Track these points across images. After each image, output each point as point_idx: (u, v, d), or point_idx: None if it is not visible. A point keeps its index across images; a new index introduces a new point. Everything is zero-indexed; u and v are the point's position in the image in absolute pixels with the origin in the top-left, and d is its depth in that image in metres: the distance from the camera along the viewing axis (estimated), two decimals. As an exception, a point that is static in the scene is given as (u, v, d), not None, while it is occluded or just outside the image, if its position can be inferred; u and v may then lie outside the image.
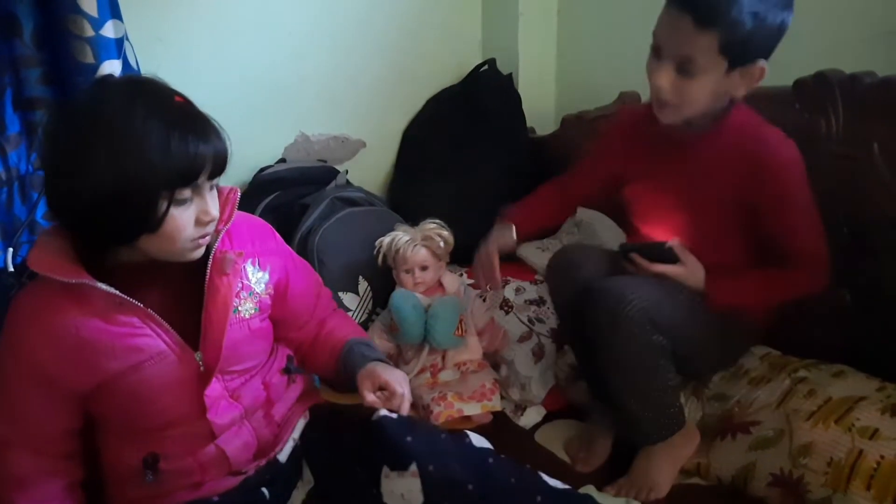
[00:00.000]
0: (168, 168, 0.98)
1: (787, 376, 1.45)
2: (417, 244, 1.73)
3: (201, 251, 1.10)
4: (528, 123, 2.24)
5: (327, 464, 1.25)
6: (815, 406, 1.34)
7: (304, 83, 2.10)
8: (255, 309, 1.19)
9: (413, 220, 2.05)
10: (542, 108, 2.35)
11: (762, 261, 1.39)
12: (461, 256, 1.88)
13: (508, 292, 1.85)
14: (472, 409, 1.63)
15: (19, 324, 1.07)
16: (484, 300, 1.83)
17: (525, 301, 1.82)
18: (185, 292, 1.13)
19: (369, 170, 2.28)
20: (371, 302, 1.87)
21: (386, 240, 1.77)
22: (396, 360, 1.76)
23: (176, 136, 0.98)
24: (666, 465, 1.40)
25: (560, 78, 2.38)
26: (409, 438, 1.13)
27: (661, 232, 1.43)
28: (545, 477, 1.21)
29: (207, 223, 1.06)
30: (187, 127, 1.00)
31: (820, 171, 1.40)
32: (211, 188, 1.07)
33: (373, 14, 2.17)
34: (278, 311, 1.27)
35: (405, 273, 1.75)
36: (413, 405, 1.65)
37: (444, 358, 1.72)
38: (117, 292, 1.04)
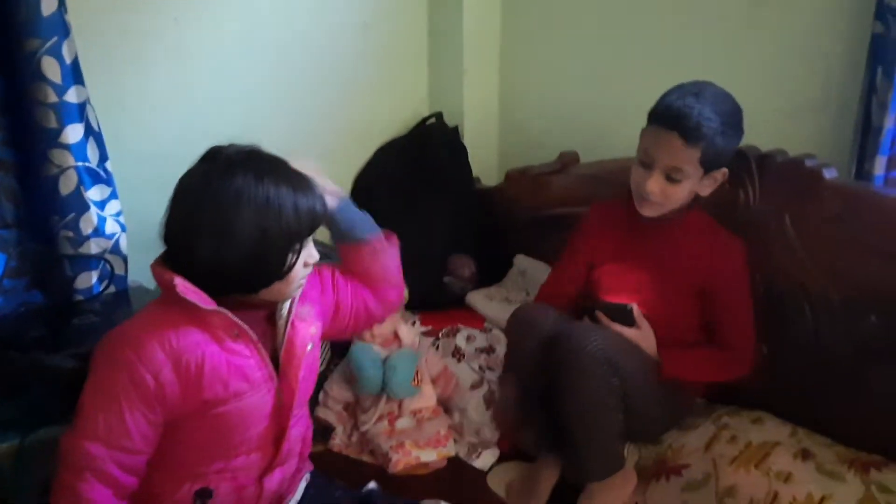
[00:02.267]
0: (299, 225, 1.15)
1: (713, 423, 1.61)
2: (374, 300, 1.83)
3: (302, 289, 1.25)
4: (474, 174, 2.38)
5: None
6: (737, 451, 1.50)
7: (257, 139, 2.16)
8: (310, 345, 1.30)
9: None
10: (486, 160, 2.49)
11: (705, 343, 1.61)
12: (413, 303, 2.00)
13: (459, 340, 1.97)
14: (429, 456, 1.74)
15: (142, 341, 1.12)
16: (437, 349, 1.94)
17: (476, 349, 1.95)
18: (264, 333, 1.25)
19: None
20: (329, 352, 1.96)
21: (344, 295, 1.86)
22: (354, 408, 1.86)
23: (300, 197, 1.15)
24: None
25: (503, 132, 2.53)
26: None
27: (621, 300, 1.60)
28: None
29: (311, 266, 1.22)
30: (302, 187, 1.16)
31: (739, 235, 1.60)
32: None
33: (323, 69, 2.27)
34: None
35: (363, 326, 1.85)
36: (372, 452, 1.78)
37: (400, 406, 1.82)
38: (241, 322, 1.17)
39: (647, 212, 1.54)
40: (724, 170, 1.52)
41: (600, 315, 1.57)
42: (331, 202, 1.32)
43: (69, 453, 1.11)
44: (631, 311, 1.55)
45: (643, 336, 1.55)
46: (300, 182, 1.17)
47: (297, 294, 1.25)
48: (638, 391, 1.51)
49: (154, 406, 1.13)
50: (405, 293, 1.84)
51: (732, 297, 1.58)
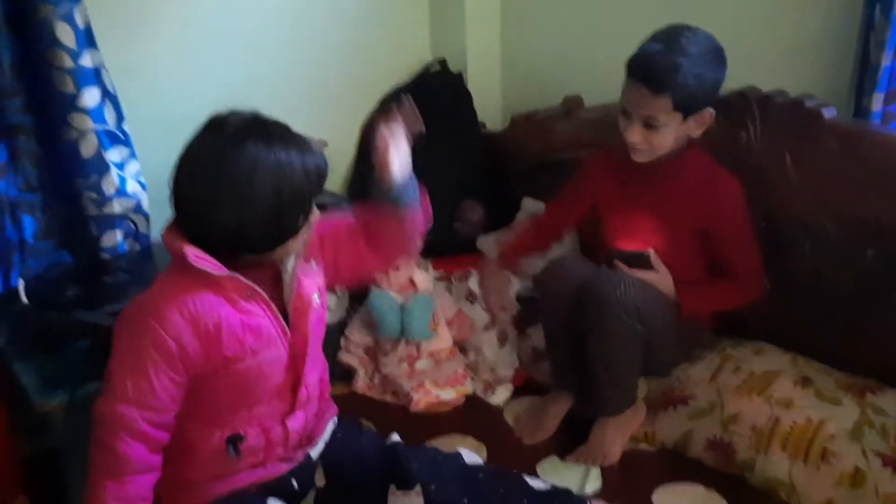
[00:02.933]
0: (310, 184, 1.20)
1: (717, 354, 1.70)
2: (390, 247, 1.90)
3: (306, 244, 1.30)
4: (479, 119, 2.41)
5: (341, 470, 1.43)
6: (741, 381, 1.60)
7: (262, 95, 2.14)
8: (317, 296, 1.36)
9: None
10: (491, 105, 2.52)
11: (712, 278, 1.69)
12: (425, 250, 2.06)
13: (472, 284, 2.04)
14: (448, 395, 1.84)
15: (162, 309, 1.18)
16: (450, 293, 2.02)
17: (488, 292, 2.02)
18: (272, 292, 1.31)
19: (330, 169, 2.40)
20: (348, 300, 2.04)
21: (360, 244, 1.93)
22: (375, 352, 1.94)
23: (307, 158, 1.19)
24: (619, 435, 1.64)
25: (506, 77, 2.55)
26: (415, 464, 1.37)
27: (633, 249, 1.67)
28: (530, 481, 1.43)
29: (313, 223, 1.27)
30: (306, 147, 1.21)
31: (741, 175, 1.66)
32: None
33: (326, 21, 2.29)
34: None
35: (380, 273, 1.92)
36: (394, 393, 1.87)
37: (418, 349, 1.91)
38: (253, 284, 1.23)
39: (638, 158, 1.59)
40: (710, 110, 1.53)
41: (619, 263, 1.64)
42: (399, 169, 1.37)
43: (104, 416, 1.19)
44: (648, 256, 1.62)
45: (661, 279, 1.62)
46: (303, 143, 1.21)
47: (303, 248, 1.31)
48: (659, 333, 1.59)
49: (178, 367, 1.20)
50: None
51: (734, 233, 1.64)
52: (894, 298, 1.56)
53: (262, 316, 1.26)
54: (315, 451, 1.42)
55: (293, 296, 1.31)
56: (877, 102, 1.63)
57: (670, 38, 1.49)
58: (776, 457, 1.46)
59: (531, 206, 2.24)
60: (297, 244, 1.26)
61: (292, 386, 1.34)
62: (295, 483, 1.38)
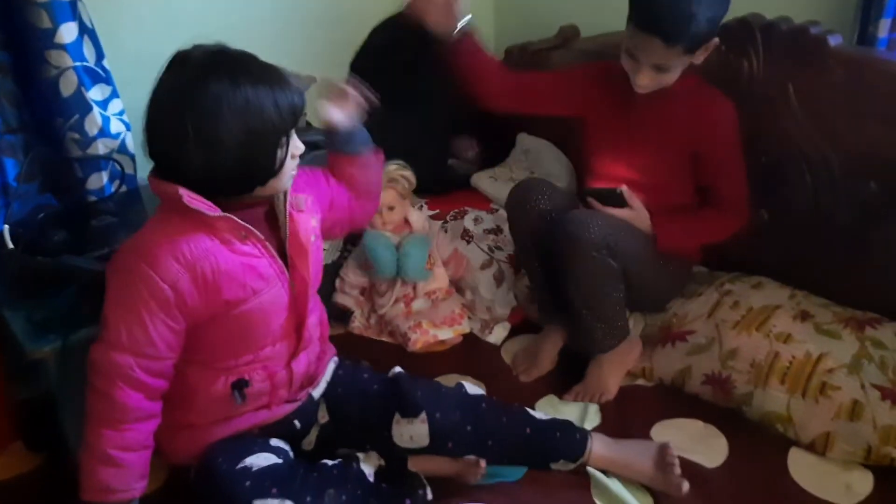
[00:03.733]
0: (283, 121, 1.15)
1: (715, 290, 1.69)
2: (383, 187, 1.86)
3: (292, 179, 1.25)
4: (471, 52, 2.34)
5: (345, 404, 1.43)
6: (739, 316, 1.59)
7: (250, 23, 2.12)
8: (314, 237, 1.34)
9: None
10: (483, 36, 2.42)
11: (699, 204, 1.64)
12: (420, 188, 2.02)
13: (468, 222, 2.01)
14: (445, 334, 1.83)
15: (155, 253, 1.15)
16: (446, 232, 1.99)
17: (483, 231, 2.00)
18: (267, 231, 1.28)
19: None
20: (342, 241, 2.00)
21: (353, 183, 1.89)
22: (370, 292, 1.93)
23: (279, 93, 1.14)
24: (614, 371, 1.64)
25: (499, 6, 2.46)
26: (419, 393, 1.38)
27: (617, 170, 1.64)
28: (531, 411, 1.45)
29: (297, 157, 1.23)
30: (278, 81, 1.15)
31: (741, 106, 1.62)
32: None
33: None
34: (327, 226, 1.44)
35: (375, 214, 1.89)
36: (391, 333, 1.86)
37: (415, 288, 1.89)
38: (248, 225, 1.20)
39: (642, 90, 1.54)
40: (716, 40, 1.50)
41: (592, 201, 1.60)
42: (342, 120, 1.37)
43: (99, 363, 1.17)
44: (621, 193, 1.58)
45: (636, 215, 1.58)
46: (275, 77, 1.16)
47: (289, 185, 1.26)
48: (637, 266, 1.57)
49: (175, 314, 1.18)
50: (413, 178, 1.90)
51: (724, 156, 1.60)
52: (895, 230, 1.54)
53: (259, 256, 1.24)
54: (317, 391, 1.43)
55: (289, 235, 1.29)
56: (883, 29, 1.59)
57: None
58: (774, 391, 1.47)
59: (526, 141, 2.19)
60: (279, 182, 1.21)
61: (296, 327, 1.34)
62: (297, 423, 1.39)
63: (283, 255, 1.29)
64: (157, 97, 1.15)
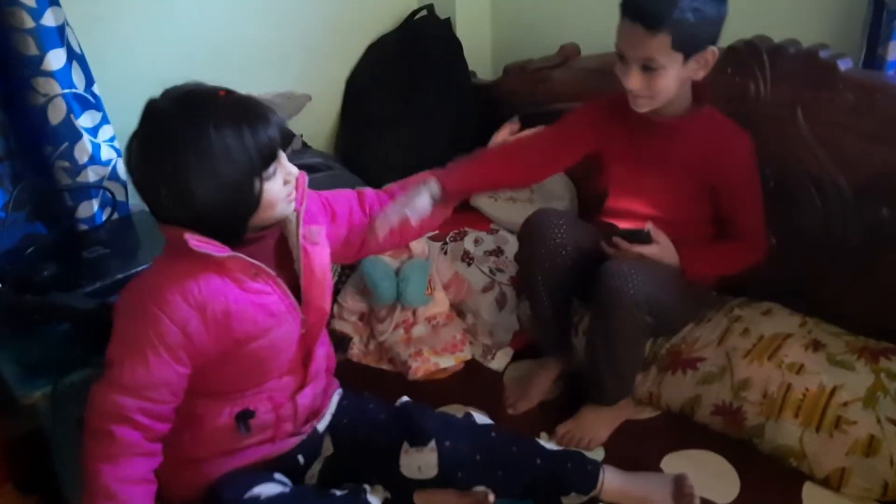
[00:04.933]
0: (251, 159, 1.12)
1: (724, 316, 1.66)
2: (382, 211, 1.82)
3: (293, 204, 1.23)
4: (470, 68, 2.30)
5: (352, 435, 1.41)
6: (751, 344, 1.55)
7: (244, 44, 2.08)
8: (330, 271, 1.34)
9: (363, 172, 2.12)
10: (481, 53, 2.41)
11: (718, 236, 1.62)
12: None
13: (468, 244, 1.97)
14: (447, 362, 1.79)
15: (165, 294, 1.13)
16: (445, 254, 1.95)
17: (484, 252, 1.96)
18: (277, 264, 1.27)
19: (316, 123, 2.31)
20: (339, 265, 1.96)
21: (351, 208, 1.85)
22: (370, 318, 1.88)
23: (247, 131, 1.11)
24: (610, 421, 1.60)
25: (497, 24, 2.42)
26: (428, 421, 1.36)
27: (634, 205, 1.61)
28: (541, 442, 1.42)
29: (292, 179, 1.21)
30: (249, 117, 1.12)
31: (749, 128, 1.59)
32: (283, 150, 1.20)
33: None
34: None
35: (372, 238, 1.84)
36: (391, 360, 1.83)
37: (414, 314, 1.85)
38: (258, 262, 1.19)
39: (640, 107, 1.48)
40: (713, 49, 1.42)
41: (619, 241, 1.53)
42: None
43: (98, 402, 1.14)
44: (648, 233, 1.52)
45: (663, 251, 1.53)
46: (245, 115, 1.13)
47: (287, 212, 1.23)
48: (666, 306, 1.53)
49: (181, 357, 1.16)
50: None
51: (742, 190, 1.57)
52: (908, 258, 1.51)
53: (270, 293, 1.22)
54: (322, 425, 1.41)
55: (303, 269, 1.27)
56: (892, 51, 1.56)
57: None
58: (788, 423, 1.43)
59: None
60: (273, 210, 1.19)
61: (303, 360, 1.32)
62: (301, 458, 1.38)
63: (294, 288, 1.27)
64: (129, 152, 1.15)
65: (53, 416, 1.31)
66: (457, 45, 2.29)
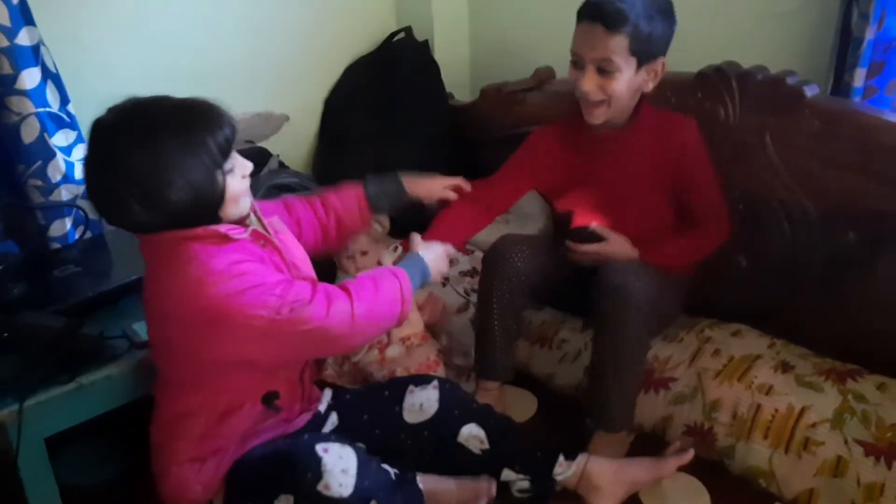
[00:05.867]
0: (210, 157, 1.16)
1: (695, 336, 1.67)
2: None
3: (251, 198, 1.29)
4: (447, 90, 2.32)
5: (357, 399, 1.53)
6: (721, 365, 1.57)
7: (222, 64, 2.08)
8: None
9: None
10: (458, 75, 2.43)
11: (681, 223, 1.65)
12: (393, 229, 1.99)
13: (442, 265, 1.98)
14: (421, 383, 1.78)
15: (187, 272, 1.18)
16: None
17: (459, 273, 1.97)
18: None
19: (294, 143, 2.32)
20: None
21: (326, 228, 1.85)
22: (345, 338, 1.88)
23: (201, 132, 1.16)
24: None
25: (474, 47, 2.45)
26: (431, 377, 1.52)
27: (598, 219, 1.61)
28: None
29: (248, 174, 1.26)
30: (200, 119, 1.17)
31: (718, 152, 1.64)
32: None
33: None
34: None
35: (347, 259, 1.84)
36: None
37: (389, 334, 1.85)
38: (265, 232, 1.29)
39: (596, 118, 1.52)
40: (662, 60, 1.49)
41: (571, 244, 1.58)
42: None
43: (312, 328, 1.21)
44: (593, 231, 1.56)
45: (616, 244, 1.55)
46: (195, 115, 1.17)
47: (248, 205, 1.29)
48: (660, 303, 1.55)
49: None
50: (387, 222, 1.87)
51: (698, 175, 1.60)
52: (873, 282, 1.54)
53: (279, 260, 1.31)
54: (322, 405, 1.49)
55: (282, 248, 1.33)
56: (858, 78, 1.59)
57: None
58: (757, 445, 1.45)
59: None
60: (237, 203, 1.24)
61: None
62: (306, 437, 1.39)
63: None
64: (89, 176, 1.17)
65: (20, 434, 1.29)
66: (434, 67, 2.31)
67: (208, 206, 1.21)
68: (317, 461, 1.21)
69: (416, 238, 1.54)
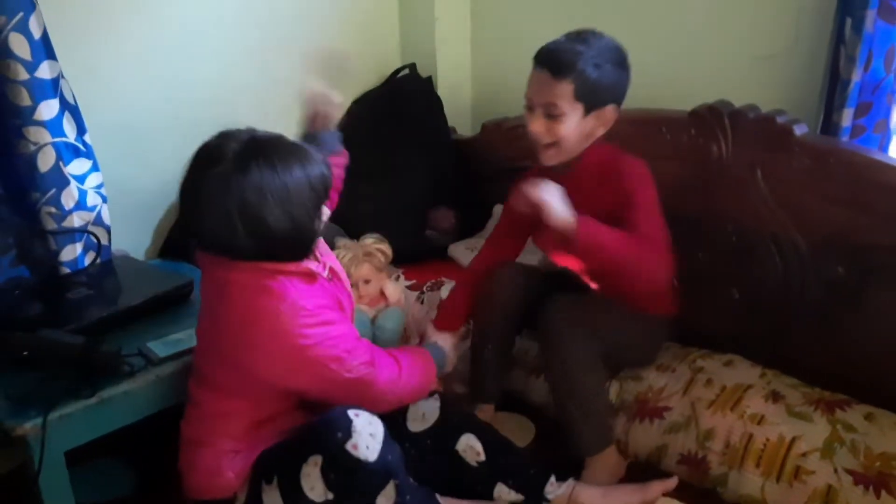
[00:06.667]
0: (317, 195, 1.27)
1: (688, 366, 1.71)
2: (360, 261, 1.87)
3: None
4: (449, 124, 2.38)
5: None
6: (714, 394, 1.60)
7: (233, 96, 2.15)
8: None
9: (345, 224, 2.17)
10: (461, 110, 2.50)
11: None
12: (396, 258, 2.04)
13: (444, 293, 2.02)
14: (421, 409, 1.82)
15: (281, 307, 1.25)
16: (422, 303, 2.00)
17: (459, 302, 2.00)
18: None
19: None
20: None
21: (330, 257, 1.90)
22: (346, 365, 1.91)
23: (310, 170, 1.25)
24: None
25: (477, 82, 2.52)
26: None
27: (571, 262, 1.65)
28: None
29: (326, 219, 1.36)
30: (307, 158, 1.25)
31: (712, 187, 1.69)
32: None
33: (295, 23, 2.24)
34: None
35: (350, 288, 1.89)
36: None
37: (391, 361, 1.88)
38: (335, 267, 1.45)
39: (547, 160, 1.56)
40: (612, 107, 1.52)
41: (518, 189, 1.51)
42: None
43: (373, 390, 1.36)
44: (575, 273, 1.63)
45: (549, 194, 1.43)
46: (303, 155, 1.25)
47: None
48: (613, 331, 1.60)
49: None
50: (389, 251, 1.91)
51: (638, 204, 1.51)
52: (862, 314, 1.58)
53: (343, 291, 1.45)
54: None
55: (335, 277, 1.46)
56: (846, 118, 1.64)
57: (577, 34, 1.51)
58: (750, 474, 1.47)
59: (496, 209, 2.22)
60: (319, 245, 1.38)
61: None
62: None
63: None
64: (198, 193, 1.22)
65: (41, 448, 1.31)
66: (438, 103, 2.38)
67: (304, 243, 1.30)
68: (348, 421, 1.25)
69: (431, 328, 1.71)
